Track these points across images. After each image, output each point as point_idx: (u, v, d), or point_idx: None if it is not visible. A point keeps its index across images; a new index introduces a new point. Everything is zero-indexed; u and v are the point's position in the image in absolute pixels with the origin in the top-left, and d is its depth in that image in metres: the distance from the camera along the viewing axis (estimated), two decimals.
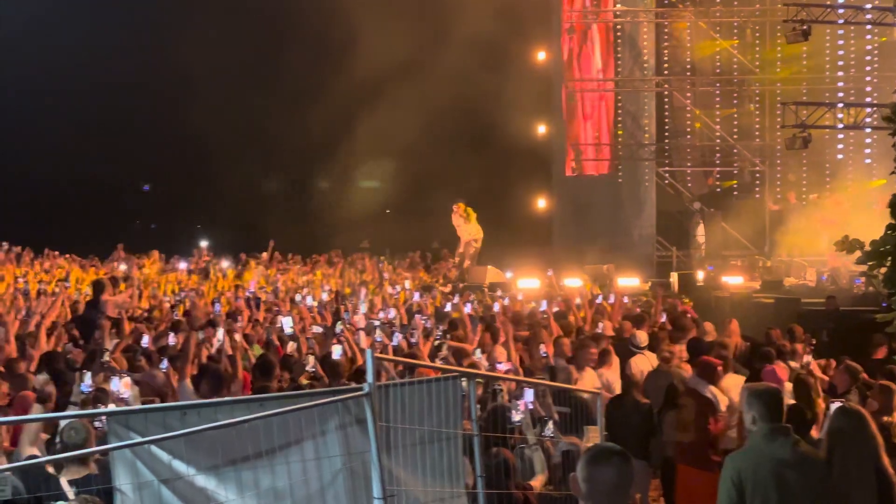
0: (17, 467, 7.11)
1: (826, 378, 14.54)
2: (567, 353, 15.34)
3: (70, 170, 43.76)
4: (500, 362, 14.31)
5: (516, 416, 9.96)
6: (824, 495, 7.63)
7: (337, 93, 37.75)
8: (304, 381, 12.83)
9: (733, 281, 27.42)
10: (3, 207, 40.02)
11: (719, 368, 13.45)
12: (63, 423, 8.44)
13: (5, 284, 23.44)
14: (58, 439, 8.43)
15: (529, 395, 10.43)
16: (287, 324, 16.46)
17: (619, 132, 35.69)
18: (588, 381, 14.26)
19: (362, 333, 16.29)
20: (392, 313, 19.67)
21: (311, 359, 13.59)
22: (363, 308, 19.68)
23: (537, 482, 9.69)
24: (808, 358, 15.29)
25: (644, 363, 15.52)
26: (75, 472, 7.87)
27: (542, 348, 15.40)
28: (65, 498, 7.50)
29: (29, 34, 41.31)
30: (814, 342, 16.02)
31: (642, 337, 16.33)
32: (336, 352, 13.92)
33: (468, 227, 30.22)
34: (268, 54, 42.41)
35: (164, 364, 13.40)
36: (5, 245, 29.88)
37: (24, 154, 43.26)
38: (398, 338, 15.92)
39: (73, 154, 43.11)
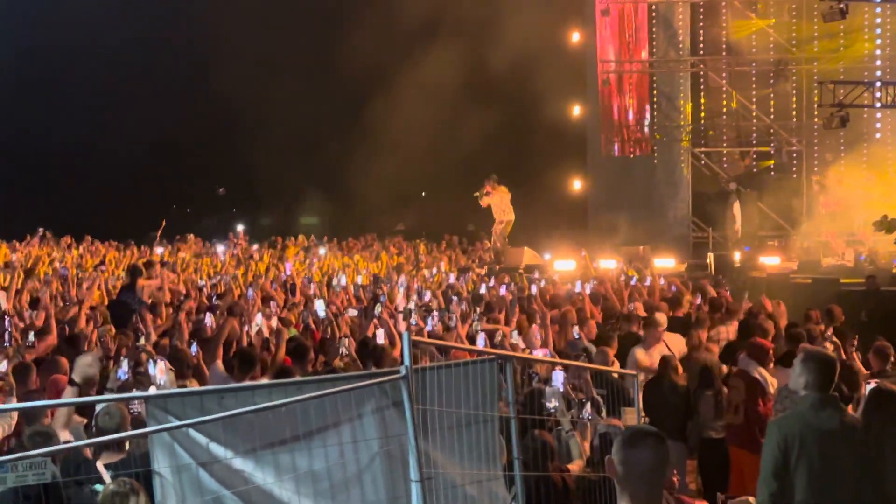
0: (55, 452, 7.15)
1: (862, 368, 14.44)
2: (591, 336, 15.39)
3: (106, 155, 43.94)
4: (536, 348, 14.28)
5: (550, 404, 9.93)
6: (867, 470, 7.58)
7: (369, 74, 37.79)
8: (340, 364, 12.84)
9: (770, 262, 27.25)
10: (42, 193, 40.29)
11: (771, 352, 13.40)
12: (98, 407, 8.49)
13: (42, 268, 23.57)
14: (94, 423, 8.47)
15: (558, 377, 10.37)
16: (321, 307, 16.47)
17: (655, 113, 35.54)
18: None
19: (399, 317, 16.29)
20: (428, 296, 19.67)
21: (347, 342, 13.60)
22: (401, 290, 19.73)
23: (574, 467, 9.67)
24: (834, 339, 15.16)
25: (661, 345, 15.38)
26: (110, 456, 7.91)
27: (576, 330, 15.39)
28: (102, 482, 7.54)
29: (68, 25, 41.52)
30: (855, 341, 15.74)
31: (661, 319, 16.28)
32: (380, 336, 13.96)
33: (495, 200, 30.09)
34: (305, 35, 42.45)
35: (194, 348, 13.42)
36: (40, 230, 30.05)
37: (57, 139, 43.48)
38: (433, 321, 15.88)
39: (110, 139, 43.30)
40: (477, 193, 30.28)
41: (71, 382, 8.60)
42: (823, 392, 7.64)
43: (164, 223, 29.30)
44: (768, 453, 7.59)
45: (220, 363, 12.32)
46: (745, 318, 16.61)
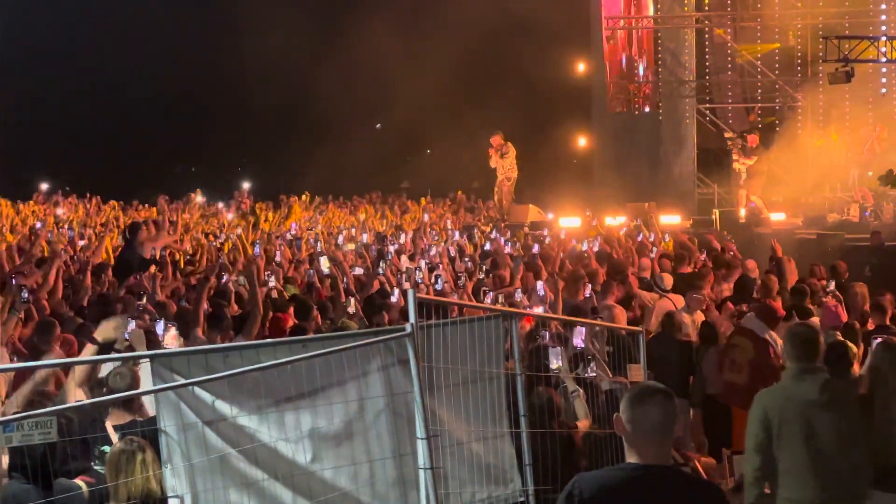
0: (63, 410, 7.14)
1: None
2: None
3: (112, 112, 43.88)
4: (539, 305, 14.23)
5: (554, 364, 9.89)
6: (856, 436, 7.60)
7: (373, 30, 37.62)
8: (345, 323, 12.82)
9: (775, 217, 27.25)
10: (44, 151, 40.22)
11: (781, 313, 13.38)
12: (108, 369, 8.47)
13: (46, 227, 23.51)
14: (104, 384, 8.47)
15: (579, 334, 10.34)
16: (324, 263, 16.38)
17: (660, 69, 35.40)
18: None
19: (403, 276, 16.27)
20: (434, 251, 19.68)
21: (353, 300, 13.60)
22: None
23: (581, 426, 9.67)
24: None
25: (669, 307, 15.31)
26: (119, 417, 7.90)
27: (588, 289, 15.36)
28: (110, 442, 7.55)
29: None
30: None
31: (668, 280, 16.25)
32: (395, 296, 14.00)
33: (503, 163, 29.99)
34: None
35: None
36: (44, 187, 29.96)
37: (64, 97, 43.37)
38: (441, 281, 15.83)
39: (114, 95, 43.23)
40: (493, 153, 30.00)
41: (92, 340, 8.59)
42: (801, 362, 7.67)
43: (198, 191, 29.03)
44: (751, 428, 7.71)
45: (199, 330, 12.21)
46: (740, 275, 16.65)
